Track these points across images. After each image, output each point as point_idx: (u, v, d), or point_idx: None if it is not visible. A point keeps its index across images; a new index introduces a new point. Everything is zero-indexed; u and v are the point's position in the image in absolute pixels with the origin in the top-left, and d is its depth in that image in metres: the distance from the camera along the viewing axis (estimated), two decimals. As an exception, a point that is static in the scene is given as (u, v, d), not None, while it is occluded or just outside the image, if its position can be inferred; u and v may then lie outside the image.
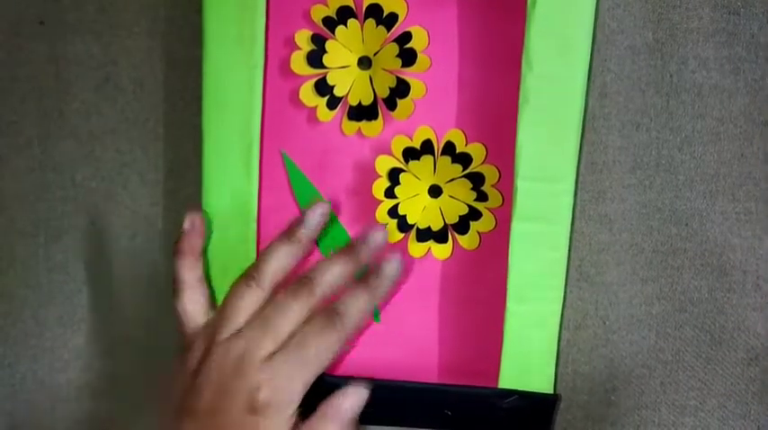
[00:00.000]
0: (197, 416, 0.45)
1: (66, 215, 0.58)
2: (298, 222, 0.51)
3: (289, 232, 0.50)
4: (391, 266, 0.49)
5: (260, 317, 0.47)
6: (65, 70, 0.56)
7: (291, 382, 0.46)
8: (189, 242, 0.50)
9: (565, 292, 0.52)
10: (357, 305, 0.48)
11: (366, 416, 0.55)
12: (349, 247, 0.50)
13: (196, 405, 0.45)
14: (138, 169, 0.57)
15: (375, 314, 0.54)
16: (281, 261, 0.49)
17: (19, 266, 0.59)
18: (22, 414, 0.60)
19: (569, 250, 0.51)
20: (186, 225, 0.50)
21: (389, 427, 0.57)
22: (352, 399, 0.48)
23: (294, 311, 0.47)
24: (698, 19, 0.54)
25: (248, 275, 0.49)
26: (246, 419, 0.44)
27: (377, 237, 0.49)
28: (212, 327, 0.48)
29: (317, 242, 0.53)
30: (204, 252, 0.52)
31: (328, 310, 0.47)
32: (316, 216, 0.50)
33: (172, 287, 0.50)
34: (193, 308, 0.49)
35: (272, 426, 0.44)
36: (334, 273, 0.48)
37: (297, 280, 0.48)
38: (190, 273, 0.50)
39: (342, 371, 0.54)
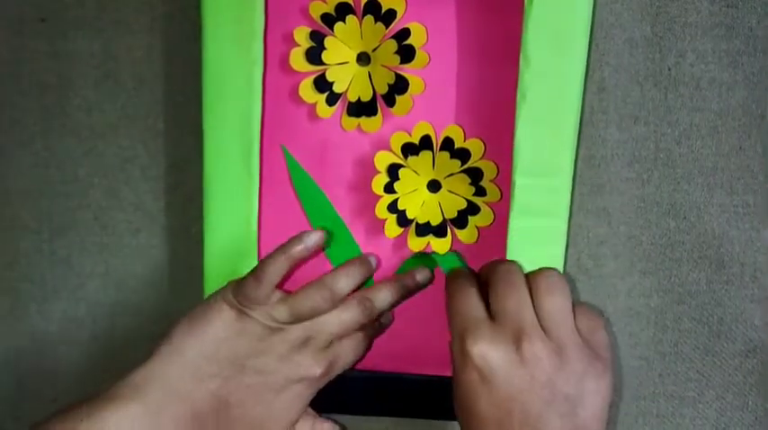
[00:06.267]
0: (261, 371, 0.50)
1: (69, 211, 0.58)
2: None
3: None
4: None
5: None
6: (66, 67, 0.57)
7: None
8: (297, 254, 0.51)
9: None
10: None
11: (370, 407, 0.56)
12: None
13: (257, 364, 0.50)
14: (140, 165, 0.58)
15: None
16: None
17: (23, 261, 0.59)
18: (28, 406, 0.61)
19: (567, 245, 0.51)
20: (310, 242, 0.52)
21: (392, 418, 0.58)
22: None
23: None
24: (696, 12, 0.54)
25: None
26: (295, 386, 0.51)
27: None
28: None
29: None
30: (203, 245, 0.53)
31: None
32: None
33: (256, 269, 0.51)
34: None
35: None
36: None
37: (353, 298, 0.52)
38: (275, 272, 0.50)
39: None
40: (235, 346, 0.49)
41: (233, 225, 0.53)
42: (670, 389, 0.58)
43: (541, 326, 0.45)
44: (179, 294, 0.59)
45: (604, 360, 0.45)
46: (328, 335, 0.51)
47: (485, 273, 0.49)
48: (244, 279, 0.50)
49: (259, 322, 0.49)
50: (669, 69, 0.54)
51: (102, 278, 0.59)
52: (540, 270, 0.47)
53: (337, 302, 0.51)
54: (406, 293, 0.53)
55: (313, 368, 0.51)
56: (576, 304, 0.47)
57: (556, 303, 0.45)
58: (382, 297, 0.52)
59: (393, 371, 0.55)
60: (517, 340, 0.44)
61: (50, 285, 0.59)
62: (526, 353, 0.44)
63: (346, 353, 0.52)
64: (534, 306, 0.46)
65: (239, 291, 0.49)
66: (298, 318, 0.50)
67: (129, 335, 0.59)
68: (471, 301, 0.47)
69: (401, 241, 0.53)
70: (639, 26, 0.54)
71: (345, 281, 0.51)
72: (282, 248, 0.51)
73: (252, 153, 0.52)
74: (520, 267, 0.48)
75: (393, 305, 0.53)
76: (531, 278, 0.47)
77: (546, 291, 0.46)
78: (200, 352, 0.49)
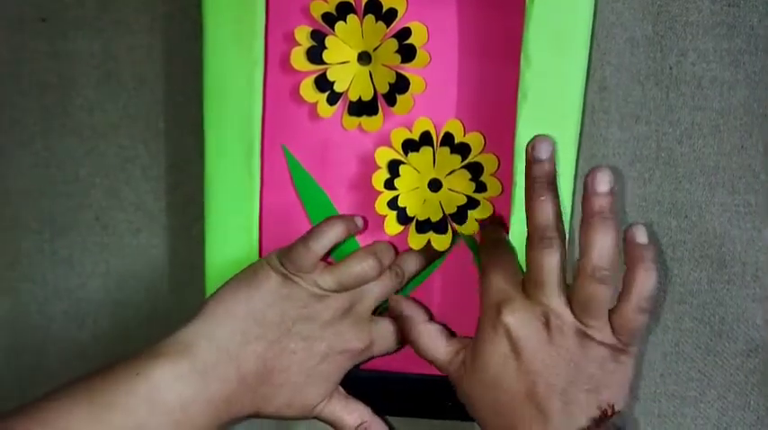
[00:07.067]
0: (307, 338, 0.51)
1: (70, 211, 0.58)
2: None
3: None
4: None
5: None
6: (66, 67, 0.57)
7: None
8: (348, 229, 0.52)
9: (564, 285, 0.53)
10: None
11: (375, 407, 0.56)
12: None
13: (303, 330, 0.51)
14: (141, 165, 0.58)
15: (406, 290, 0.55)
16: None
17: (24, 261, 0.59)
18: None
19: (568, 244, 0.51)
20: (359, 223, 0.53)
21: (396, 418, 0.58)
22: None
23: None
24: (697, 11, 0.54)
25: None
26: (336, 357, 0.52)
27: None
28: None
29: None
30: (204, 245, 0.53)
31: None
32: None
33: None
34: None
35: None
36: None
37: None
38: (325, 243, 0.51)
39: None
40: (281, 311, 0.50)
41: (234, 225, 0.53)
42: (671, 389, 0.58)
43: (573, 307, 0.46)
44: (179, 294, 0.59)
45: (630, 349, 0.47)
46: (371, 301, 0.52)
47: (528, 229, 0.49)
48: (292, 246, 0.50)
49: (304, 289, 0.50)
50: (670, 68, 0.54)
51: (103, 278, 0.59)
52: (591, 256, 0.46)
53: (382, 271, 0.52)
54: (428, 261, 0.54)
55: (355, 342, 0.52)
56: (625, 299, 0.46)
57: (597, 295, 0.46)
58: (409, 264, 0.54)
59: (397, 371, 0.55)
60: (546, 320, 0.47)
61: (51, 285, 0.59)
62: (554, 334, 0.46)
63: (384, 336, 0.53)
64: (574, 286, 0.47)
65: (287, 257, 0.50)
66: (343, 286, 0.51)
67: (130, 335, 0.59)
68: (507, 272, 0.49)
69: (402, 238, 0.53)
70: (641, 25, 0.54)
71: (388, 251, 0.53)
72: (335, 221, 0.52)
73: (253, 153, 0.52)
74: (559, 230, 0.48)
75: (417, 272, 0.54)
76: (582, 260, 0.46)
77: (591, 280, 0.46)
78: (249, 314, 0.49)
